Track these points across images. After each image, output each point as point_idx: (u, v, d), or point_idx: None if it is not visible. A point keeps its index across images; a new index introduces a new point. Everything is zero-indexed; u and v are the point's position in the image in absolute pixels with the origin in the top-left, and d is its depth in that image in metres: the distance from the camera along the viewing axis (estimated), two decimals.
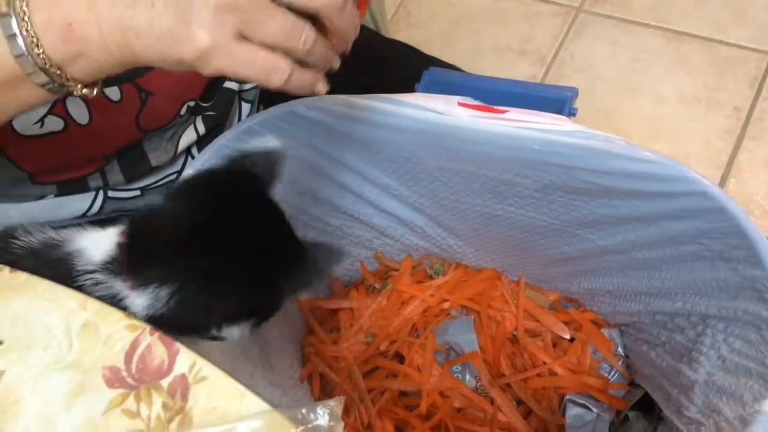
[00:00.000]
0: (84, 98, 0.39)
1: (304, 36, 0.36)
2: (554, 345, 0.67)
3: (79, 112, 0.54)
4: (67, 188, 0.58)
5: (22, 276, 0.35)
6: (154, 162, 0.61)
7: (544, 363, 0.65)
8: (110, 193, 0.60)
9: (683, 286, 0.52)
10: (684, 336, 0.52)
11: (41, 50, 0.35)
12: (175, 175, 0.64)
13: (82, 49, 0.36)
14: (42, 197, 0.58)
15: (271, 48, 0.36)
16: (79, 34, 0.35)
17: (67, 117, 0.53)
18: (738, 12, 1.31)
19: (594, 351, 0.66)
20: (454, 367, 0.66)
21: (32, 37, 0.35)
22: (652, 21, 1.34)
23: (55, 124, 0.53)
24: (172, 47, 0.35)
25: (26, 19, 0.35)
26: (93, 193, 0.59)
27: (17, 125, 0.53)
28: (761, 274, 0.43)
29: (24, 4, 0.35)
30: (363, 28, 0.80)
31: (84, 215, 0.60)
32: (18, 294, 0.34)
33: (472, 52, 1.37)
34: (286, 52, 0.36)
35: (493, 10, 1.42)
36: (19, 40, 0.35)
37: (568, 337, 0.67)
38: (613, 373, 0.65)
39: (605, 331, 0.66)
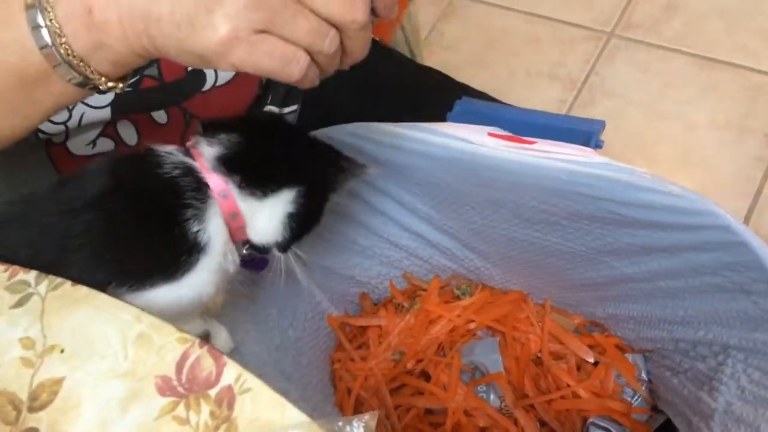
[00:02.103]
0: (111, 90, 0.39)
1: (330, 38, 0.35)
2: (578, 368, 0.68)
3: (129, 134, 0.57)
4: None
5: (83, 289, 0.38)
6: None
7: (568, 385, 0.67)
8: None
9: (705, 315, 0.53)
10: (705, 364, 0.53)
11: (64, 39, 0.36)
12: None
13: (102, 38, 0.36)
14: None
15: (293, 44, 0.35)
16: (99, 20, 0.36)
17: (117, 138, 0.56)
18: None
19: (617, 375, 0.67)
20: (479, 387, 0.68)
21: (56, 27, 0.36)
22: (684, 47, 1.35)
23: (105, 144, 0.56)
24: (191, 35, 0.34)
25: (49, 9, 0.36)
26: None
27: (71, 146, 0.57)
28: None
29: None
30: (397, 54, 0.83)
31: None
32: (79, 306, 0.37)
33: (504, 75, 1.40)
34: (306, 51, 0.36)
35: (525, 34, 1.45)
36: (44, 32, 0.36)
37: (592, 360, 0.68)
38: (636, 397, 0.66)
39: (629, 356, 0.67)
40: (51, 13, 0.36)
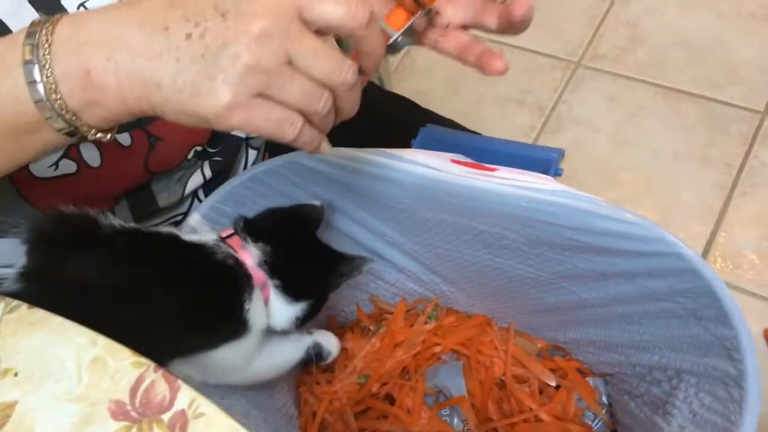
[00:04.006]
0: (97, 142, 0.40)
1: (323, 99, 0.37)
2: (541, 391, 0.69)
3: (92, 156, 0.57)
4: None
5: (39, 312, 0.38)
6: (161, 203, 0.64)
7: (531, 409, 0.67)
8: None
9: (660, 340, 0.54)
10: (660, 389, 0.54)
11: (59, 96, 0.36)
12: (182, 217, 0.67)
13: (98, 97, 0.37)
14: None
15: (289, 106, 0.37)
16: (96, 82, 0.36)
17: (80, 160, 0.56)
18: (732, 72, 1.37)
19: (579, 399, 0.68)
20: (442, 411, 0.68)
21: (51, 83, 0.36)
22: (649, 78, 1.39)
23: (68, 167, 0.56)
24: (192, 101, 0.36)
25: (47, 66, 0.36)
26: None
27: (33, 168, 0.56)
28: (729, 333, 0.45)
29: (47, 53, 0.36)
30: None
31: None
32: (35, 329, 0.37)
33: (474, 102, 1.42)
34: (302, 113, 0.38)
35: None
36: (39, 87, 0.36)
37: (554, 384, 0.69)
38: (596, 421, 0.67)
39: (590, 380, 0.68)
40: (48, 70, 0.36)
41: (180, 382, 0.34)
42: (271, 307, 0.52)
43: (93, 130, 0.39)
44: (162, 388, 0.34)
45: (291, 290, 0.52)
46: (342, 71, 0.37)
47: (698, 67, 1.39)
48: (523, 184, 0.52)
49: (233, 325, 0.49)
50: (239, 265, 0.49)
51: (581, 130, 1.35)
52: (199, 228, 0.61)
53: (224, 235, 0.51)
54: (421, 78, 1.45)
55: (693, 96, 1.35)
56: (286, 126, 0.37)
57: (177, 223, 0.67)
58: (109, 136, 0.40)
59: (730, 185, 1.23)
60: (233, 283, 0.49)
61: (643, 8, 1.48)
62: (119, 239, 0.46)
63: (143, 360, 0.35)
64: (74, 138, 0.39)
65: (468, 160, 0.56)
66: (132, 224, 0.48)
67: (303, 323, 0.54)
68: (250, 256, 0.50)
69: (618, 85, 1.39)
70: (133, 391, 0.34)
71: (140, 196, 0.63)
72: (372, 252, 0.68)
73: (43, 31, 0.36)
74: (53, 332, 0.37)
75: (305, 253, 0.55)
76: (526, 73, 1.45)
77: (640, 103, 1.36)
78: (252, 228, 0.52)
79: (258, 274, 0.50)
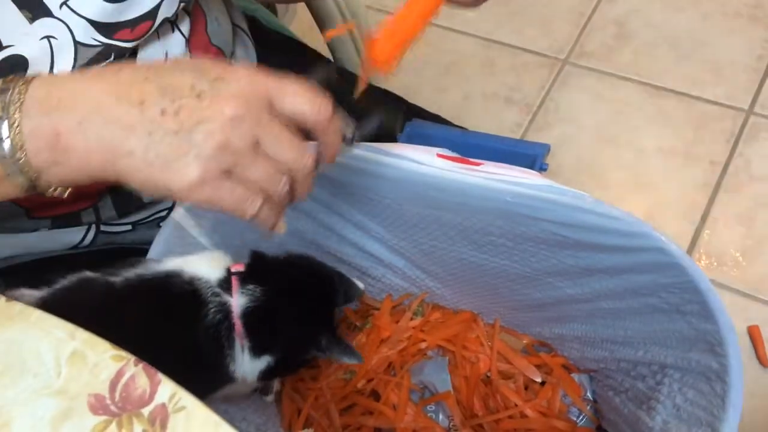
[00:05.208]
0: (55, 196, 0.40)
1: (282, 182, 0.40)
2: (526, 387, 0.69)
3: None
4: (60, 222, 0.60)
5: (18, 305, 0.37)
6: (146, 198, 0.63)
7: (516, 405, 0.67)
8: (102, 227, 0.63)
9: (644, 335, 0.54)
10: (645, 384, 0.54)
11: (23, 154, 0.37)
12: (166, 212, 0.66)
13: (63, 159, 0.37)
14: (36, 230, 0.60)
15: (250, 186, 0.39)
16: (64, 145, 0.37)
17: None
18: (716, 70, 1.37)
19: (564, 395, 0.68)
20: (428, 407, 0.68)
21: (18, 141, 0.36)
22: (634, 76, 1.39)
23: None
24: (162, 174, 0.37)
25: (16, 125, 0.36)
26: (85, 227, 0.62)
27: None
28: (712, 328, 0.46)
29: (17, 111, 0.36)
30: (350, 75, 0.84)
31: (75, 247, 0.62)
32: (13, 322, 0.36)
33: (461, 99, 1.42)
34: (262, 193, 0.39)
35: (482, 59, 1.47)
36: (5, 143, 0.36)
37: (539, 380, 0.69)
38: (581, 417, 0.67)
39: (575, 376, 0.68)
40: (17, 128, 0.36)
41: (161, 376, 0.33)
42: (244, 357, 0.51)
43: (51, 188, 0.39)
44: (142, 382, 0.33)
45: (257, 349, 0.51)
46: (303, 158, 0.40)
47: (684, 65, 1.39)
48: (508, 179, 0.52)
49: (223, 377, 0.50)
50: (228, 315, 0.49)
51: (568, 128, 1.35)
52: (183, 222, 0.60)
53: (233, 270, 0.51)
54: (409, 75, 1.45)
55: (678, 94, 1.36)
56: (246, 204, 0.39)
57: (162, 218, 0.66)
58: (66, 192, 0.40)
59: (715, 183, 1.24)
60: (220, 337, 0.49)
61: (630, 7, 1.48)
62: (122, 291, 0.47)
63: (123, 353, 0.34)
64: (30, 192, 0.39)
65: (454, 154, 0.56)
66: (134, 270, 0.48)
67: (268, 378, 0.53)
68: (237, 304, 0.49)
69: (604, 82, 1.40)
70: (113, 384, 0.34)
71: (124, 192, 0.62)
72: (358, 247, 0.68)
73: (16, 89, 0.37)
74: (32, 325, 0.36)
75: (297, 306, 0.52)
76: (514, 70, 1.45)
77: (626, 101, 1.37)
78: (261, 269, 0.51)
79: (239, 327, 0.50)
